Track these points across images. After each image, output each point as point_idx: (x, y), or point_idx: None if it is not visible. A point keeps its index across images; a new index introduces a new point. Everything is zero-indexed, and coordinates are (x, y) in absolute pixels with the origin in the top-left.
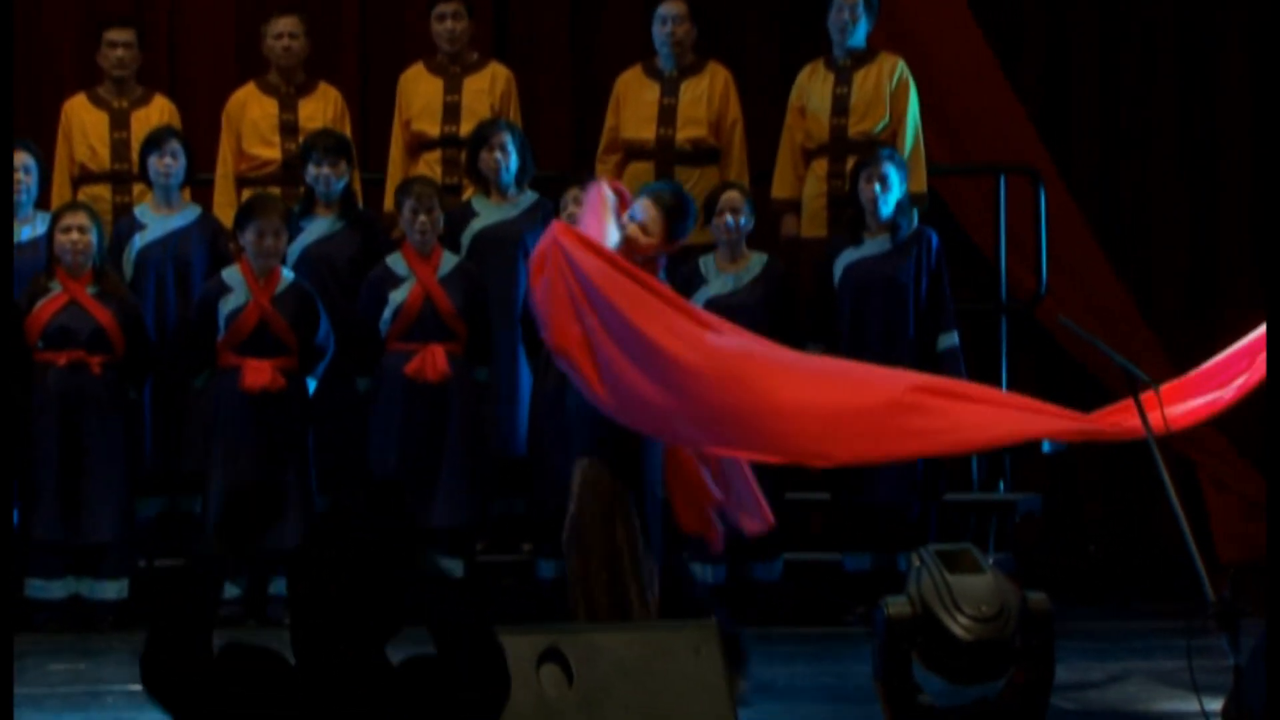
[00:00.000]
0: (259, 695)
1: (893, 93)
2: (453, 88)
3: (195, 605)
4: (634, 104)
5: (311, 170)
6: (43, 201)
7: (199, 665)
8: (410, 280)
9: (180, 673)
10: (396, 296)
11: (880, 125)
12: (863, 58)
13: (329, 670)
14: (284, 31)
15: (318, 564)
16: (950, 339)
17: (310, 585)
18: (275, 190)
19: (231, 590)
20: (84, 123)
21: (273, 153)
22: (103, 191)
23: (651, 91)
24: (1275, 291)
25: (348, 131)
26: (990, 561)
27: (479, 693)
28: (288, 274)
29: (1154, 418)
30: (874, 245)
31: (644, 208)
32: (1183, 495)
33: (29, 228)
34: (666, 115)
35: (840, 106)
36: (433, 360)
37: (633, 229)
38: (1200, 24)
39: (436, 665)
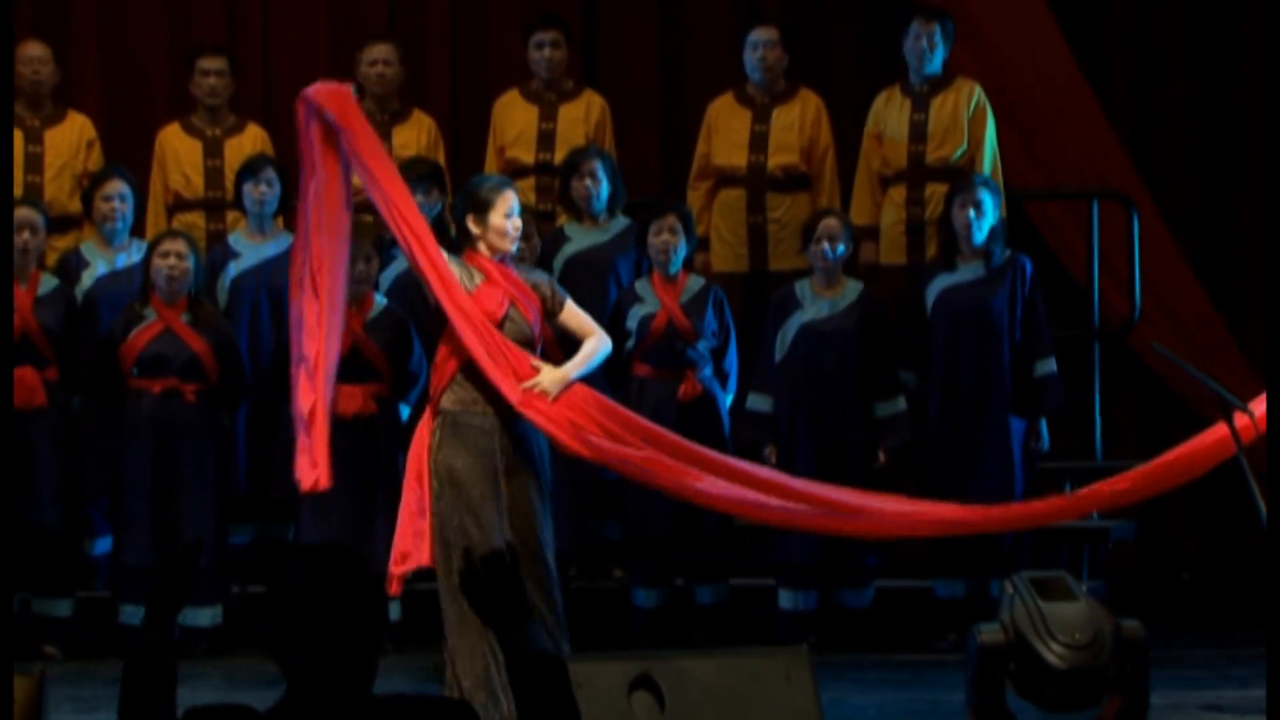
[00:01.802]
0: None
1: (970, 118)
2: (548, 115)
3: (152, 699)
4: (725, 131)
5: None
6: (137, 229)
7: None
8: None
9: None
10: None
11: (958, 152)
12: (939, 84)
13: (316, 705)
14: (378, 59)
15: (298, 597)
16: (1047, 365)
17: (292, 619)
18: (368, 218)
19: None
20: (178, 151)
21: None
22: (197, 219)
23: (743, 118)
24: (1276, 299)
25: (440, 158)
26: (1083, 589)
27: None
28: (380, 300)
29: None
30: (967, 272)
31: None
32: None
33: (124, 255)
34: (758, 142)
35: (918, 133)
36: None
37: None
38: None
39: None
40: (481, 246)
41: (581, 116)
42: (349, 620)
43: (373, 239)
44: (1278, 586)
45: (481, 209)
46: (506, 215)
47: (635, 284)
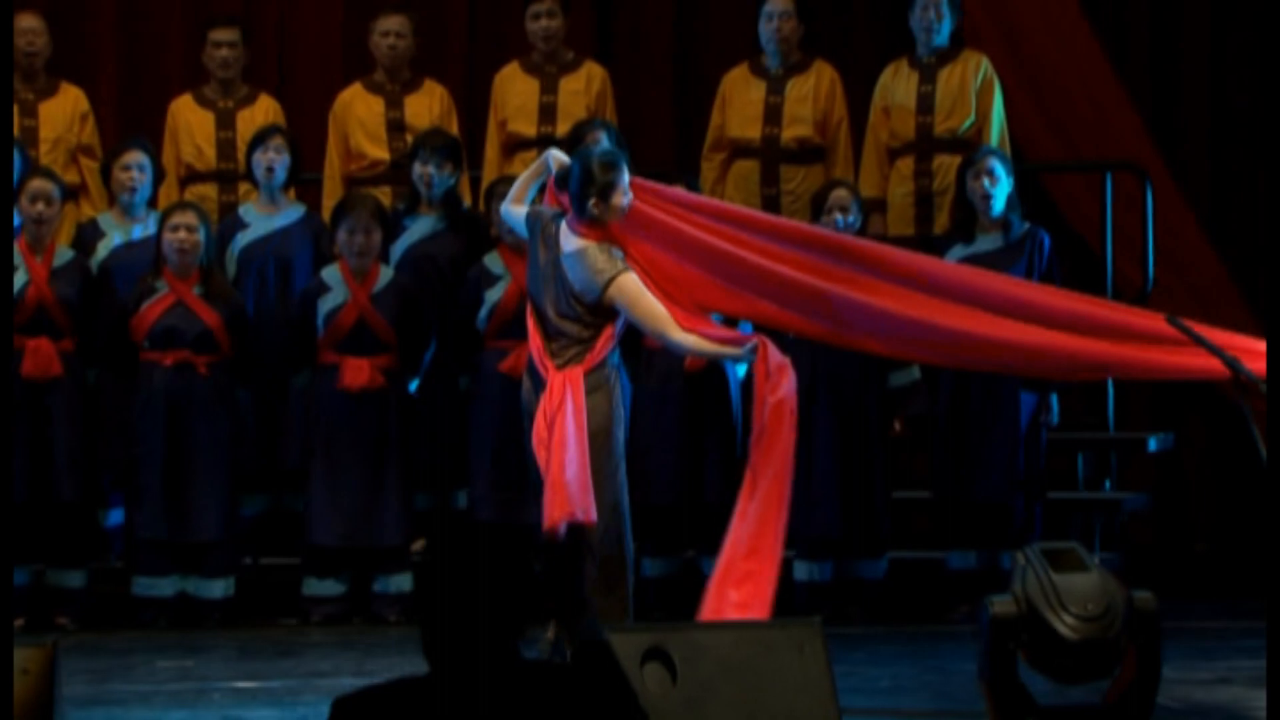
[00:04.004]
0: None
1: (978, 90)
2: (548, 88)
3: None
4: (740, 102)
5: (417, 168)
6: (154, 201)
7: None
8: (506, 279)
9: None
10: (492, 295)
11: (966, 123)
12: (947, 55)
13: (463, 669)
14: (391, 30)
15: (450, 561)
16: None
17: (442, 583)
18: (385, 190)
19: (336, 588)
20: (190, 123)
21: (381, 152)
22: (209, 191)
23: (757, 90)
24: (1276, 291)
25: (454, 128)
26: (1096, 560)
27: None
28: (387, 272)
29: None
30: (987, 242)
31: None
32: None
33: (140, 226)
34: (772, 114)
35: (925, 104)
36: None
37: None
38: None
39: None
40: (597, 221)
41: (582, 88)
42: (499, 592)
43: (371, 210)
44: (1278, 582)
45: (606, 192)
46: (624, 194)
47: None
